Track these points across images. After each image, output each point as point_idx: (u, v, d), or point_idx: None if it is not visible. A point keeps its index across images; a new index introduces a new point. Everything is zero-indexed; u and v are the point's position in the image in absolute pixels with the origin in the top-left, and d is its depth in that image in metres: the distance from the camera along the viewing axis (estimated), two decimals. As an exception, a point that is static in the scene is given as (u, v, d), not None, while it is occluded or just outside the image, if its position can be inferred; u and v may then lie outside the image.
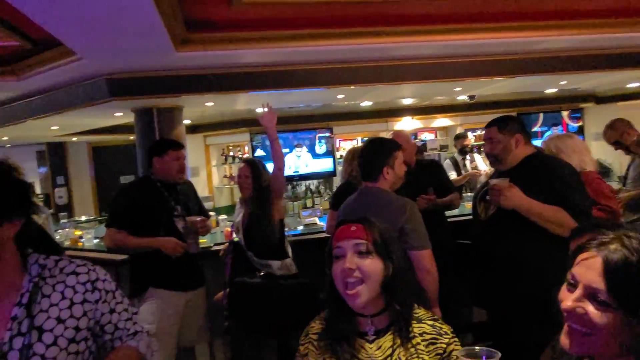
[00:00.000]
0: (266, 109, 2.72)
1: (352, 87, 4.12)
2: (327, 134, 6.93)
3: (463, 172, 5.30)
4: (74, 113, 4.14)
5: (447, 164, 5.37)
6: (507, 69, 4.18)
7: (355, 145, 4.09)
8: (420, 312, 1.30)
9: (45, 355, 1.09)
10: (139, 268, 2.73)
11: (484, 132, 2.38)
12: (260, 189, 2.77)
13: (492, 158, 2.30)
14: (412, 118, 7.36)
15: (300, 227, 4.04)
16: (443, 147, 7.17)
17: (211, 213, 4.06)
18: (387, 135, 7.24)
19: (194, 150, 6.98)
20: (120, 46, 2.92)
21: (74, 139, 6.88)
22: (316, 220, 4.21)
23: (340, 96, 4.84)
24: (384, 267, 1.25)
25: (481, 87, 5.08)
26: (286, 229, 3.03)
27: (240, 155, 7.15)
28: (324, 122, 7.04)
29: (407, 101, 6.55)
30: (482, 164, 5.37)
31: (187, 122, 6.44)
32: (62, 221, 5.69)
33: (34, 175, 8.00)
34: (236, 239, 3.02)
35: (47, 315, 1.12)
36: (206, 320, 2.95)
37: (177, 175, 2.75)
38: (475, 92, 5.62)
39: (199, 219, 2.72)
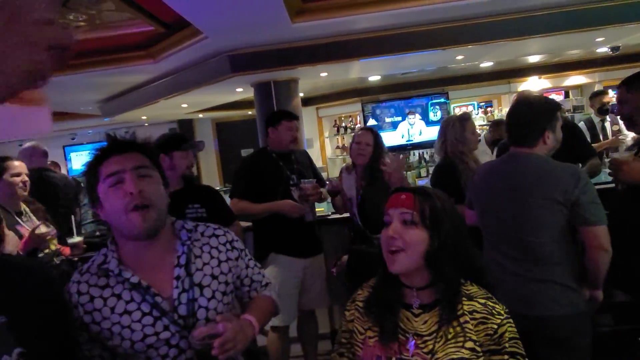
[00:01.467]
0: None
1: (472, 46, 3.82)
2: (442, 100, 6.60)
3: (601, 135, 4.66)
4: (200, 90, 4.47)
5: (581, 126, 4.77)
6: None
7: (452, 115, 3.70)
8: (472, 289, 1.22)
9: (208, 307, 1.25)
10: (261, 235, 2.87)
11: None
12: (376, 161, 2.70)
13: (625, 122, 2.02)
14: (540, 77, 6.67)
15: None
16: (577, 109, 6.41)
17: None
18: (509, 98, 6.67)
19: (307, 122, 7.15)
20: (241, 22, 3.04)
21: (200, 115, 7.47)
22: (432, 189, 4.05)
23: (459, 57, 4.54)
24: (428, 240, 1.18)
25: (628, 35, 4.38)
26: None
27: (352, 126, 7.15)
28: (438, 87, 6.70)
29: (534, 59, 5.93)
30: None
31: (300, 95, 6.60)
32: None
33: (169, 150, 8.88)
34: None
35: (203, 273, 1.27)
36: (325, 286, 3.02)
37: (290, 145, 2.79)
38: (620, 42, 4.87)
39: (308, 185, 2.74)
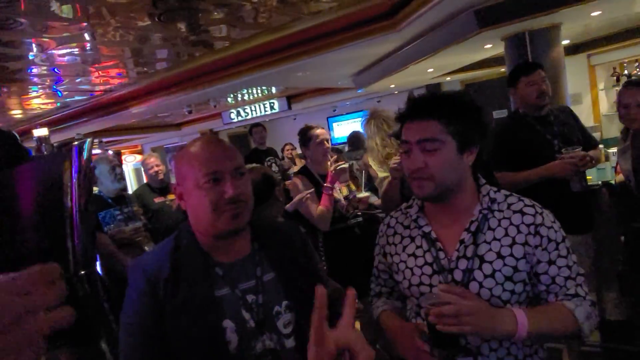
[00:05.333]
0: None
1: None
2: None
3: None
4: (445, 52, 4.30)
5: None
6: None
7: None
8: None
9: (482, 284, 1.16)
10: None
11: None
12: None
13: None
14: None
15: None
16: None
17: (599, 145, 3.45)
18: None
19: (573, 74, 6.06)
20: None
21: (448, 78, 7.25)
22: None
23: None
24: None
25: None
26: None
27: (638, 72, 5.73)
28: None
29: None
30: None
31: (565, 42, 5.63)
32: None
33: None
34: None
35: (489, 248, 1.18)
36: (593, 269, 2.58)
37: (538, 102, 2.42)
38: None
39: (576, 153, 2.30)
